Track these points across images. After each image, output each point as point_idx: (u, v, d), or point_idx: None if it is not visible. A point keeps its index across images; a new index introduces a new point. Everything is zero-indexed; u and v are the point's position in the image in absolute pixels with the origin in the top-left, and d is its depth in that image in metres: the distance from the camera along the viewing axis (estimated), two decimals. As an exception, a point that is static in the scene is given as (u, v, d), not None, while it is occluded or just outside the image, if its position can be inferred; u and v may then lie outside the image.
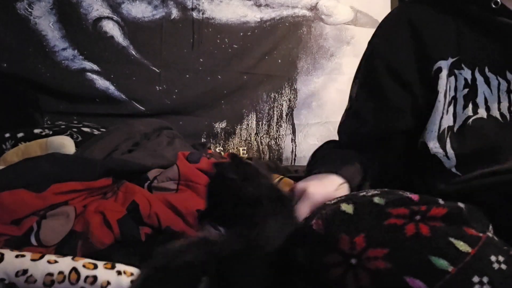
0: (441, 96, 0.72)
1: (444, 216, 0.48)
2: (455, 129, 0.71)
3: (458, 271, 0.43)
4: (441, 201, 0.52)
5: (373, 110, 0.80)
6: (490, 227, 0.51)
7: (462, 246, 0.45)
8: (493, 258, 0.45)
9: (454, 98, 0.73)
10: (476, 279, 0.43)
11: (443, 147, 0.71)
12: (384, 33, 0.84)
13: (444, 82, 0.73)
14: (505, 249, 0.46)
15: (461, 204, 0.50)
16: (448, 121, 0.72)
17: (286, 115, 2.10)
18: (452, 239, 0.45)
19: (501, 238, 0.50)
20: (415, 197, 0.53)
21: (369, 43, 0.87)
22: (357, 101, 0.83)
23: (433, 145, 0.72)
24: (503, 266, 0.44)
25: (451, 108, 0.72)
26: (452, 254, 0.44)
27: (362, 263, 0.45)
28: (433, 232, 0.46)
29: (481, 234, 0.46)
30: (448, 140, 0.71)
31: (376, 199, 0.52)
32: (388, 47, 0.80)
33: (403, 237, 0.47)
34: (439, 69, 0.73)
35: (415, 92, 0.76)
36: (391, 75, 0.78)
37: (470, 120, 0.71)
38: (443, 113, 0.72)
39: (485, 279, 0.43)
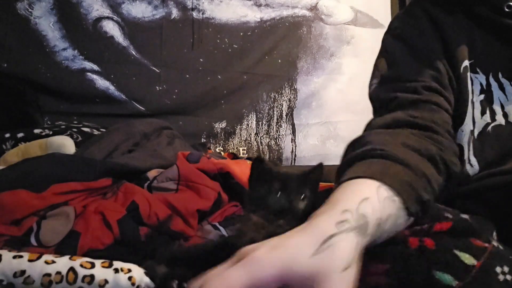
0: (471, 97, 0.69)
1: (450, 229, 0.47)
2: (475, 135, 0.69)
3: (463, 285, 0.42)
4: (447, 214, 0.50)
5: (417, 69, 0.71)
6: (494, 233, 0.50)
7: (468, 259, 0.44)
8: (498, 269, 0.44)
9: (472, 102, 0.70)
10: None
11: (468, 152, 0.69)
12: (408, 21, 0.78)
13: (471, 82, 0.70)
14: (510, 259, 0.46)
15: (464, 216, 0.49)
16: (469, 125, 0.69)
17: (286, 115, 2.10)
18: (457, 252, 0.44)
19: (504, 237, 0.49)
20: None
21: (394, 27, 0.80)
22: (397, 66, 0.73)
23: (466, 149, 0.68)
24: (508, 277, 0.44)
25: (470, 112, 0.70)
26: (458, 268, 0.43)
27: (362, 278, 0.44)
28: (438, 245, 0.45)
29: (486, 245, 0.45)
30: (471, 146, 0.69)
31: None
32: (415, 32, 0.74)
33: (406, 251, 0.45)
34: (467, 68, 0.70)
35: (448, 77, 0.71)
36: (428, 51, 0.72)
37: (490, 127, 0.69)
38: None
39: None
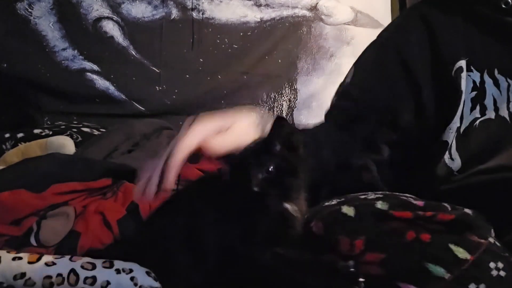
0: (463, 96, 0.71)
1: (450, 222, 0.48)
2: (461, 131, 0.70)
3: (454, 278, 0.43)
4: (449, 207, 0.51)
5: (374, 92, 0.76)
6: (492, 231, 0.51)
7: (461, 253, 0.45)
8: (492, 264, 0.44)
9: (462, 100, 0.71)
10: (473, 286, 0.43)
11: (451, 148, 0.70)
12: (398, 27, 0.82)
13: (465, 82, 0.71)
14: (505, 256, 0.46)
15: (468, 210, 0.50)
16: (456, 123, 0.71)
17: (286, 115, 2.10)
18: (452, 246, 0.45)
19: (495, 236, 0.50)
20: (420, 203, 0.52)
21: (380, 35, 0.85)
22: (356, 84, 0.80)
23: (450, 144, 0.70)
24: (502, 273, 0.44)
25: (460, 109, 0.71)
26: (450, 261, 0.44)
27: (358, 266, 0.45)
28: (434, 238, 0.46)
29: (482, 240, 0.46)
30: (454, 142, 0.70)
31: (379, 204, 0.52)
32: (402, 40, 0.78)
33: (402, 242, 0.46)
34: (460, 69, 0.71)
35: (422, 90, 0.74)
36: (402, 65, 0.75)
37: (477, 121, 0.70)
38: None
39: (482, 287, 0.43)
